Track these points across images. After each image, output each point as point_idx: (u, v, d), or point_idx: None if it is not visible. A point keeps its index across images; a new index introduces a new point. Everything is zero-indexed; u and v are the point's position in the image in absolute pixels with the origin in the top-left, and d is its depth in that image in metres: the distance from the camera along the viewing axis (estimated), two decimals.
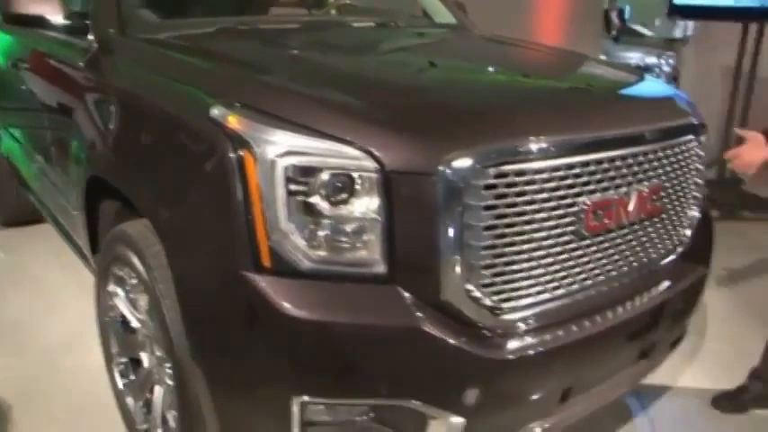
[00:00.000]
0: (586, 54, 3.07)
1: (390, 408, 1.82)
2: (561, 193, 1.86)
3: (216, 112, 1.81)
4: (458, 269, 1.76)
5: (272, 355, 1.78)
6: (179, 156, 1.97)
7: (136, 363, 2.50)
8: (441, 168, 1.69)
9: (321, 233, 1.74)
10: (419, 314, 1.76)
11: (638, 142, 2.07)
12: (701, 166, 2.44)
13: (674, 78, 8.37)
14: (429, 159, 1.70)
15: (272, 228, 1.72)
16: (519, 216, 1.80)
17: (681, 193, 2.32)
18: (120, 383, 2.60)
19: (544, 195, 1.83)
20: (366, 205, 1.73)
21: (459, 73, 2.42)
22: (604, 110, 2.12)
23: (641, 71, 2.77)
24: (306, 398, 1.79)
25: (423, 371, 1.80)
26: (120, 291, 2.42)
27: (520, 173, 1.78)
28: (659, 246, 2.27)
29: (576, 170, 1.88)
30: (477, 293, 1.80)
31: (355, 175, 1.71)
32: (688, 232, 2.44)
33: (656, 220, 2.22)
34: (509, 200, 1.78)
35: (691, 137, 2.34)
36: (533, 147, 1.81)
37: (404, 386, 1.80)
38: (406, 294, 1.77)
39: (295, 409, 1.79)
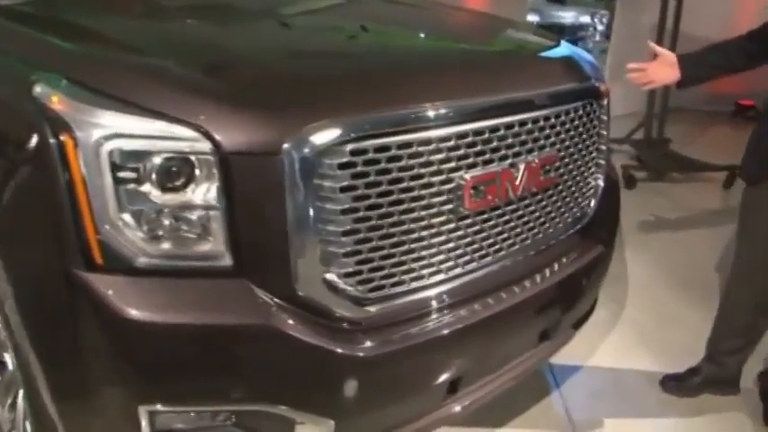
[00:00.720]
0: (499, 16, 2.85)
1: (252, 413, 1.63)
2: (433, 168, 1.67)
3: (38, 90, 1.56)
4: (314, 258, 1.57)
5: (111, 361, 1.57)
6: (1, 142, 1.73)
7: (1, 365, 2.27)
8: (285, 147, 1.49)
9: (157, 224, 1.53)
10: (271, 310, 1.57)
11: (525, 109, 1.89)
12: (603, 132, 2.28)
13: (606, 37, 8.28)
14: (272, 138, 1.49)
15: (101, 221, 1.50)
16: (383, 196, 1.61)
17: (580, 162, 2.16)
18: None
19: (412, 172, 1.63)
20: (205, 192, 1.52)
21: (330, 40, 2.19)
22: (484, 74, 1.92)
23: (545, 33, 2.56)
24: (153, 406, 1.59)
25: (281, 372, 1.62)
26: None
27: (381, 148, 1.58)
28: (556, 220, 2.11)
29: (451, 143, 1.70)
30: (340, 284, 1.62)
31: (191, 158, 1.49)
32: (591, 203, 2.28)
33: (552, 192, 2.05)
34: (370, 179, 1.58)
35: (590, 101, 2.16)
36: (395, 119, 1.61)
37: (262, 390, 1.62)
38: (257, 289, 1.57)
39: (143, 419, 1.59)
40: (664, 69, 2.44)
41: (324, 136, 1.52)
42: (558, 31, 9.71)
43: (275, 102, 1.56)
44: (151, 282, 1.55)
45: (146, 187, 1.50)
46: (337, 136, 1.53)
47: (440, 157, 1.68)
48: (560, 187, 2.08)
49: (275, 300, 1.59)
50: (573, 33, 10.37)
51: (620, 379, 2.91)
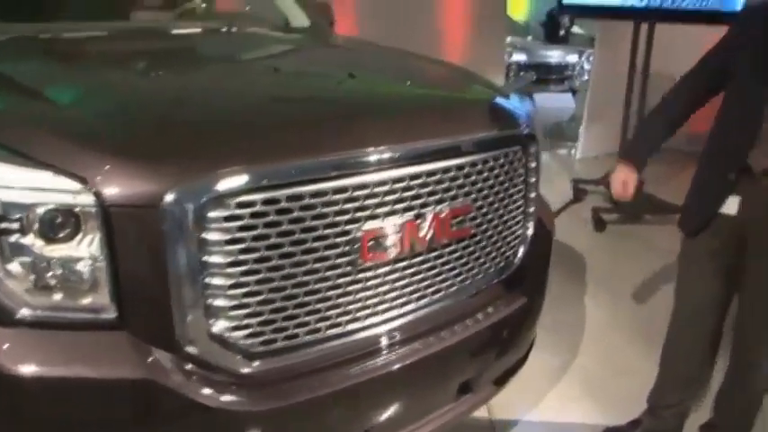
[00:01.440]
0: (434, 59, 2.82)
1: None
2: (327, 221, 1.64)
3: None
4: (199, 312, 1.55)
5: None
6: None
7: None
8: (167, 200, 1.47)
9: (40, 276, 1.51)
10: (155, 364, 1.55)
11: (434, 158, 1.86)
12: (532, 179, 2.25)
13: None
14: (153, 190, 1.48)
15: None
16: (273, 249, 1.59)
17: (502, 212, 2.13)
18: None
19: (304, 224, 1.61)
20: (89, 244, 1.50)
21: (232, 88, 2.09)
22: (389, 123, 1.88)
23: (481, 79, 2.54)
24: None
25: (166, 426, 1.58)
26: None
27: (269, 201, 1.55)
28: (474, 271, 2.07)
29: (348, 194, 1.67)
30: (227, 338, 1.59)
31: (76, 210, 1.48)
32: (517, 252, 2.24)
33: (467, 243, 2.01)
34: (258, 231, 1.55)
35: (514, 149, 2.14)
36: (284, 171, 1.59)
37: None
38: (142, 342, 1.54)
39: None
40: (628, 178, 2.52)
41: (208, 189, 1.51)
42: (545, 71, 9.80)
43: (158, 154, 1.55)
44: (33, 334, 1.53)
45: (29, 239, 1.49)
46: (222, 189, 1.51)
47: (335, 209, 1.66)
48: (478, 237, 2.04)
49: (161, 353, 1.56)
50: (560, 72, 10.44)
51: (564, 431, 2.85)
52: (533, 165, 2.26)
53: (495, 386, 2.30)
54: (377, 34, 4.17)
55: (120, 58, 2.32)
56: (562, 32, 12.50)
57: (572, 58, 10.40)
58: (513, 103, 2.32)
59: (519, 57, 10.22)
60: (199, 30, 2.81)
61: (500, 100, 2.30)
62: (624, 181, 2.50)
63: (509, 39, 10.40)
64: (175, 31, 2.79)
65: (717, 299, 2.41)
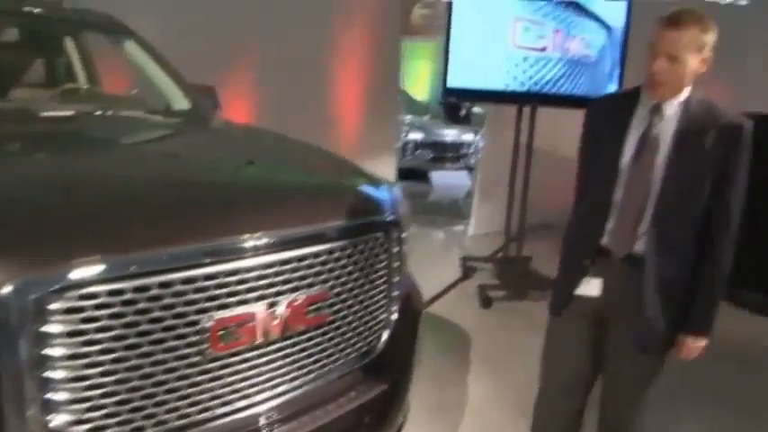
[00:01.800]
0: (305, 144, 2.86)
1: None
2: (176, 311, 1.66)
3: None
4: (35, 407, 1.52)
5: None
6: None
7: None
8: (4, 292, 1.46)
9: None
10: None
11: (287, 247, 1.91)
12: (396, 264, 2.32)
13: None
14: None
15: None
16: (118, 341, 1.58)
17: (362, 298, 2.18)
18: None
19: (151, 315, 1.62)
20: None
21: (97, 173, 2.08)
22: (244, 212, 1.90)
23: (346, 167, 2.59)
24: None
25: None
26: None
27: (113, 292, 1.56)
28: (333, 357, 2.11)
29: (197, 284, 1.69)
30: None
31: None
32: (380, 337, 2.29)
33: (325, 329, 2.04)
34: (102, 323, 1.55)
35: (376, 235, 2.20)
36: (127, 262, 1.60)
37: None
38: None
39: None
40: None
41: (48, 281, 1.50)
42: (442, 149, 10.09)
43: None
44: None
45: None
46: (63, 281, 1.51)
47: (183, 299, 1.67)
48: (336, 324, 2.08)
49: None
50: (456, 150, 10.77)
51: None
52: (396, 250, 2.32)
53: None
54: (271, 118, 4.27)
55: None
56: (463, 112, 12.97)
57: (468, 137, 10.77)
58: (376, 190, 2.38)
59: (416, 135, 10.51)
60: (70, 112, 2.79)
61: (362, 187, 2.37)
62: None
63: (408, 118, 10.73)
64: (45, 114, 2.76)
65: (582, 377, 2.48)
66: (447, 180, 10.01)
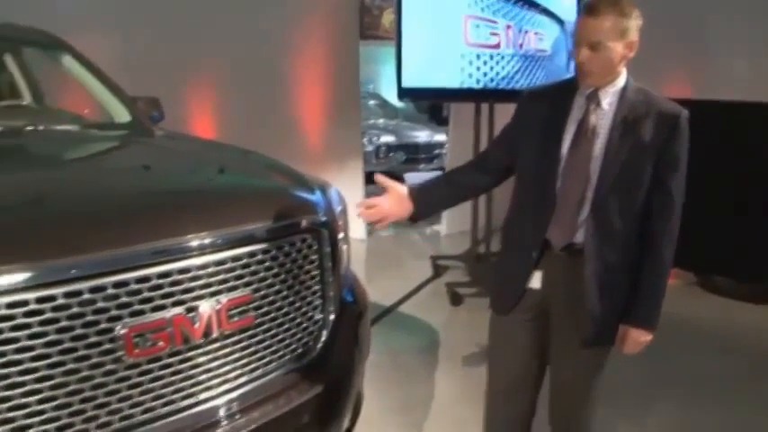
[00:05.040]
0: (235, 148, 2.86)
1: None
2: (86, 319, 1.66)
3: None
4: None
5: None
6: None
7: None
8: None
9: None
10: None
11: (206, 251, 1.90)
12: (328, 264, 2.32)
13: None
14: None
15: None
16: (24, 352, 1.58)
17: (292, 299, 2.18)
18: None
19: (59, 325, 1.62)
20: None
21: (14, 186, 2.05)
22: (156, 217, 1.91)
23: (280, 169, 2.59)
24: None
25: None
26: None
27: (14, 304, 1.56)
28: (265, 359, 2.10)
29: (107, 292, 1.68)
30: None
31: None
32: (318, 338, 2.30)
33: (253, 332, 2.04)
34: (4, 335, 1.55)
35: (303, 236, 2.21)
36: (27, 272, 1.59)
37: None
38: None
39: None
40: (395, 204, 2.29)
41: None
42: (414, 150, 10.11)
43: None
44: None
45: None
46: None
47: (92, 307, 1.67)
48: (265, 326, 2.08)
49: None
50: (428, 151, 10.79)
51: None
52: (328, 250, 2.32)
53: None
54: (234, 129, 4.27)
55: None
56: (445, 113, 13.00)
57: (440, 138, 10.79)
58: (305, 191, 2.38)
59: (387, 138, 10.53)
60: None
61: (288, 189, 2.36)
62: (374, 204, 2.28)
63: (381, 121, 10.74)
64: None
65: (527, 377, 2.41)
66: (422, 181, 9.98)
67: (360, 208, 2.30)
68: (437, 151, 10.76)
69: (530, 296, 2.27)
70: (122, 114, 3.29)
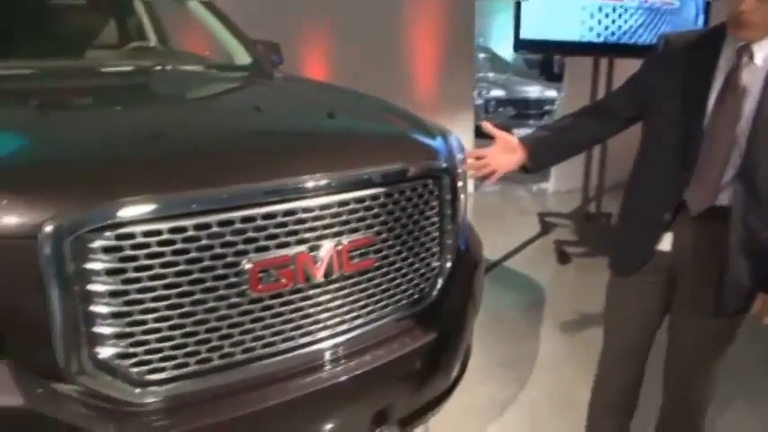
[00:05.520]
0: (353, 91, 2.85)
1: None
2: (215, 252, 1.69)
3: None
4: (81, 340, 1.58)
5: None
6: None
7: None
8: (45, 231, 1.51)
9: None
10: (37, 393, 1.57)
11: (330, 191, 1.90)
12: (448, 212, 2.29)
13: None
14: (30, 222, 1.52)
15: None
16: (157, 279, 1.63)
17: (412, 244, 2.16)
18: None
19: (188, 256, 1.65)
20: None
21: (143, 121, 2.14)
22: (283, 156, 1.90)
23: (400, 113, 2.56)
24: None
25: None
26: None
27: (150, 233, 1.59)
28: (382, 303, 2.10)
29: (235, 226, 1.71)
30: (113, 366, 1.62)
31: None
32: (434, 286, 2.28)
33: (372, 274, 2.04)
34: (140, 262, 1.60)
35: (425, 181, 2.18)
36: (164, 204, 1.63)
37: None
38: (24, 371, 1.57)
39: None
40: (503, 156, 2.20)
41: (86, 220, 1.55)
42: (524, 106, 9.91)
43: (37, 186, 1.60)
44: None
45: None
46: (101, 220, 1.56)
47: (220, 240, 1.69)
48: (384, 269, 2.07)
49: (45, 382, 1.59)
50: (538, 107, 10.56)
51: None
52: (448, 197, 2.29)
53: (413, 419, 2.27)
54: (346, 76, 4.27)
55: (34, 94, 2.36)
56: (556, 70, 12.70)
57: (551, 94, 10.53)
58: (428, 137, 2.34)
59: (497, 92, 10.36)
60: (130, 68, 2.87)
61: (412, 134, 2.33)
62: (482, 155, 2.20)
63: (490, 75, 10.56)
64: (104, 69, 2.85)
65: (649, 336, 2.32)
66: None
67: (466, 158, 2.22)
68: (547, 107, 10.53)
69: (657, 259, 2.15)
70: (243, 57, 3.32)
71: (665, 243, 2.12)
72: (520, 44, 4.80)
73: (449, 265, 2.35)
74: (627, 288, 2.27)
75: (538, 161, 2.25)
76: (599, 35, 4.91)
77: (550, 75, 12.37)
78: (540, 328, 4.13)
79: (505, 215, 6.65)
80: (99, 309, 1.59)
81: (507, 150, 2.21)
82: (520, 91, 10.55)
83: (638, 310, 2.27)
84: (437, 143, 2.32)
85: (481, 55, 11.77)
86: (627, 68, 2.38)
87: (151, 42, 3.67)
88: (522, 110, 10.35)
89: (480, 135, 2.43)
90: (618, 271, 2.29)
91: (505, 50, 13.61)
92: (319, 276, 1.89)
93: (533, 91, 10.64)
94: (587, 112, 2.33)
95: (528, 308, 4.40)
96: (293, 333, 1.91)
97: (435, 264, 2.30)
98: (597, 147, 5.28)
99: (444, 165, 2.27)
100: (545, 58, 12.60)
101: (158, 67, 2.87)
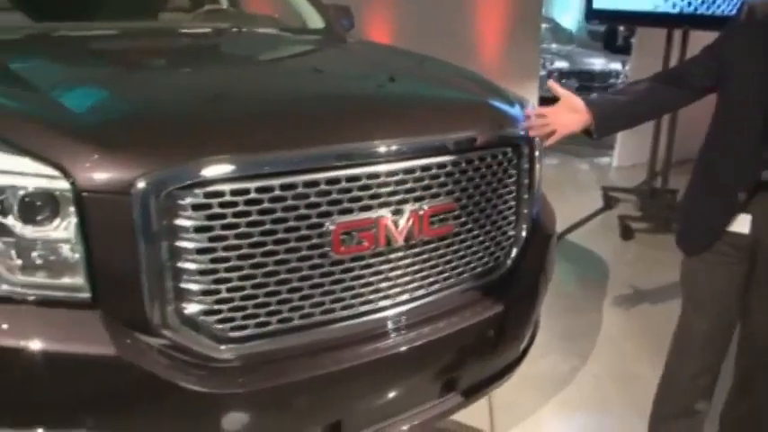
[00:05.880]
0: (429, 57, 2.83)
1: None
2: (299, 212, 1.70)
3: None
4: (169, 295, 1.61)
5: None
6: None
7: None
8: (137, 187, 1.54)
9: (20, 256, 1.59)
10: (127, 343, 1.61)
11: (413, 155, 1.90)
12: (525, 181, 2.27)
13: None
14: (124, 178, 1.55)
15: None
16: (243, 238, 1.64)
17: (489, 212, 2.15)
18: None
19: (275, 216, 1.66)
20: (65, 227, 1.58)
21: (218, 84, 2.16)
22: (366, 120, 1.91)
23: (479, 81, 2.54)
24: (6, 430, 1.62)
25: (134, 406, 1.66)
26: None
27: (238, 192, 1.61)
28: (457, 270, 2.09)
29: (320, 188, 1.71)
30: (197, 321, 1.65)
31: (53, 194, 1.56)
32: (509, 254, 2.26)
33: (450, 240, 2.04)
34: (227, 220, 1.61)
35: (504, 149, 2.16)
36: (253, 163, 1.65)
37: (115, 423, 1.66)
38: (115, 322, 1.60)
39: None
40: (567, 116, 2.10)
41: (176, 178, 1.57)
42: (588, 78, 9.72)
43: (130, 144, 1.62)
44: (12, 309, 1.60)
45: (9, 219, 1.56)
46: (191, 178, 1.57)
47: (306, 201, 1.70)
48: (462, 236, 2.06)
49: (133, 334, 1.62)
50: (603, 80, 10.35)
51: None
52: (526, 167, 2.26)
53: (481, 388, 2.28)
54: (410, 44, 4.24)
55: (118, 55, 2.41)
56: (620, 42, 12.36)
57: (616, 66, 10.31)
58: (508, 105, 2.31)
59: (561, 64, 10.18)
60: (207, 30, 2.89)
61: (492, 101, 2.30)
62: (545, 114, 2.13)
63: (554, 46, 10.37)
64: (183, 31, 2.88)
65: (731, 320, 2.21)
66: None
67: (528, 119, 2.15)
68: (612, 80, 10.31)
69: (735, 240, 2.06)
70: (316, 20, 3.31)
71: (743, 225, 2.04)
72: (592, 14, 4.66)
73: (524, 234, 2.33)
74: (705, 268, 2.17)
75: (604, 127, 2.14)
76: (674, 5, 4.76)
77: (614, 47, 12.05)
78: (602, 303, 4.09)
79: (564, 188, 6.55)
80: (187, 265, 1.61)
81: (571, 111, 2.10)
82: (584, 63, 10.35)
83: (719, 291, 2.16)
84: (517, 111, 2.29)
85: (544, 25, 11.54)
86: (702, 41, 2.29)
87: (223, 4, 3.67)
88: (586, 82, 10.14)
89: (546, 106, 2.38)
90: (683, 249, 2.23)
91: (567, 21, 13.36)
92: (400, 240, 1.88)
93: (597, 63, 10.43)
94: (660, 79, 2.20)
95: (589, 282, 4.36)
96: (372, 296, 1.91)
97: (511, 233, 2.28)
98: (666, 120, 5.17)
99: (523, 133, 2.23)
100: (609, 29, 12.30)
101: (235, 29, 2.87)
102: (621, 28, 10.70)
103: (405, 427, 2.05)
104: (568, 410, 3.03)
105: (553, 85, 2.13)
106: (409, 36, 5.65)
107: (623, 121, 2.24)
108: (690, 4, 4.79)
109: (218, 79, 2.18)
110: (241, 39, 2.85)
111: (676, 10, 4.73)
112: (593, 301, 4.08)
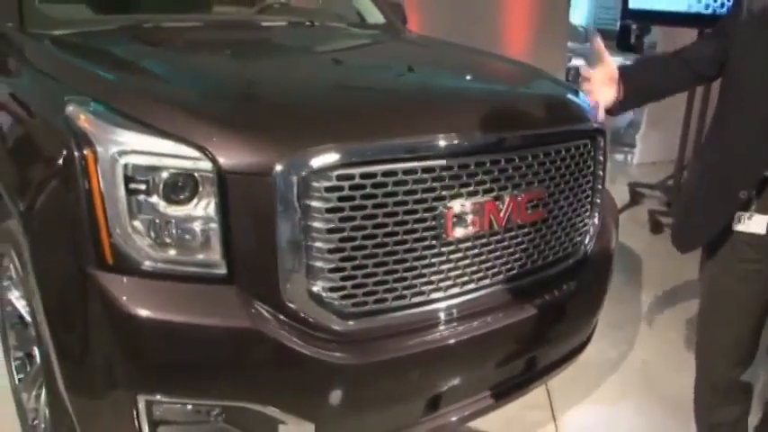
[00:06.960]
0: (507, 57, 2.97)
1: (239, 410, 1.78)
2: (418, 196, 1.82)
3: (70, 109, 1.77)
4: (301, 272, 1.73)
5: (114, 352, 1.74)
6: (39, 154, 1.94)
7: (30, 357, 2.47)
8: (277, 169, 1.65)
9: (161, 233, 1.70)
10: (259, 316, 1.73)
11: (514, 147, 2.03)
12: (600, 172, 2.39)
13: None
14: (265, 160, 1.66)
15: (114, 226, 1.68)
16: (368, 219, 1.76)
17: (572, 200, 2.27)
18: (16, 378, 2.57)
19: (396, 198, 1.78)
20: (205, 206, 1.69)
21: (337, 74, 2.34)
22: (474, 113, 2.01)
23: (554, 78, 2.67)
24: (151, 396, 1.75)
25: (265, 374, 1.77)
26: (12, 286, 2.39)
27: (366, 175, 1.73)
28: (545, 254, 2.21)
29: (436, 173, 1.84)
30: (324, 297, 1.76)
31: (195, 175, 1.67)
32: (585, 241, 2.38)
33: (540, 226, 2.16)
34: (355, 202, 1.73)
35: (584, 142, 2.27)
36: (381, 148, 1.77)
37: (248, 389, 1.77)
38: (249, 297, 1.72)
39: (141, 406, 1.75)
40: (604, 83, 1.98)
41: (313, 161, 1.69)
42: None
43: (271, 127, 1.74)
44: (154, 283, 1.72)
45: (154, 198, 1.68)
46: (325, 162, 1.69)
47: (423, 186, 1.82)
48: (549, 222, 2.18)
49: (265, 308, 1.74)
50: None
51: (615, 419, 2.98)
52: (601, 158, 2.38)
53: (555, 367, 2.43)
54: (435, 34, 4.34)
55: (218, 44, 2.53)
56: (633, 41, 12.49)
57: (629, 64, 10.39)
58: (584, 101, 2.43)
59: (577, 62, 10.27)
60: (285, 23, 3.00)
61: (571, 96, 2.44)
62: (587, 77, 1.99)
63: (569, 44, 10.45)
64: (265, 24, 2.99)
65: (756, 329, 2.07)
66: None
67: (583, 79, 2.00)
68: None
69: (753, 241, 1.94)
70: (375, 15, 3.41)
71: (760, 225, 1.91)
72: (628, 14, 4.76)
73: (596, 221, 2.44)
74: (724, 276, 2.03)
75: (627, 106, 2.05)
76: (707, 6, 4.85)
77: (627, 46, 12.19)
78: (640, 294, 4.19)
79: None
80: (318, 244, 1.73)
81: (608, 79, 1.98)
82: None
83: (739, 299, 2.02)
84: (593, 109, 2.40)
85: None
86: None
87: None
88: None
89: None
90: (675, 245, 2.10)
91: (577, 19, 13.46)
92: (501, 224, 2.01)
93: (616, 62, 10.50)
94: (681, 57, 2.06)
95: (626, 274, 4.46)
96: (474, 276, 2.03)
97: (588, 221, 2.39)
98: (694, 114, 5.26)
99: (597, 125, 2.36)
100: (622, 28, 12.43)
101: (308, 23, 2.99)
102: (634, 27, 10.83)
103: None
104: (622, 395, 3.15)
105: (600, 46, 1.99)
106: (437, 31, 5.74)
107: (651, 93, 2.14)
108: (723, 5, 4.89)
109: (330, 70, 2.31)
110: (321, 32, 2.97)
111: (709, 11, 4.83)
112: (633, 292, 4.20)
